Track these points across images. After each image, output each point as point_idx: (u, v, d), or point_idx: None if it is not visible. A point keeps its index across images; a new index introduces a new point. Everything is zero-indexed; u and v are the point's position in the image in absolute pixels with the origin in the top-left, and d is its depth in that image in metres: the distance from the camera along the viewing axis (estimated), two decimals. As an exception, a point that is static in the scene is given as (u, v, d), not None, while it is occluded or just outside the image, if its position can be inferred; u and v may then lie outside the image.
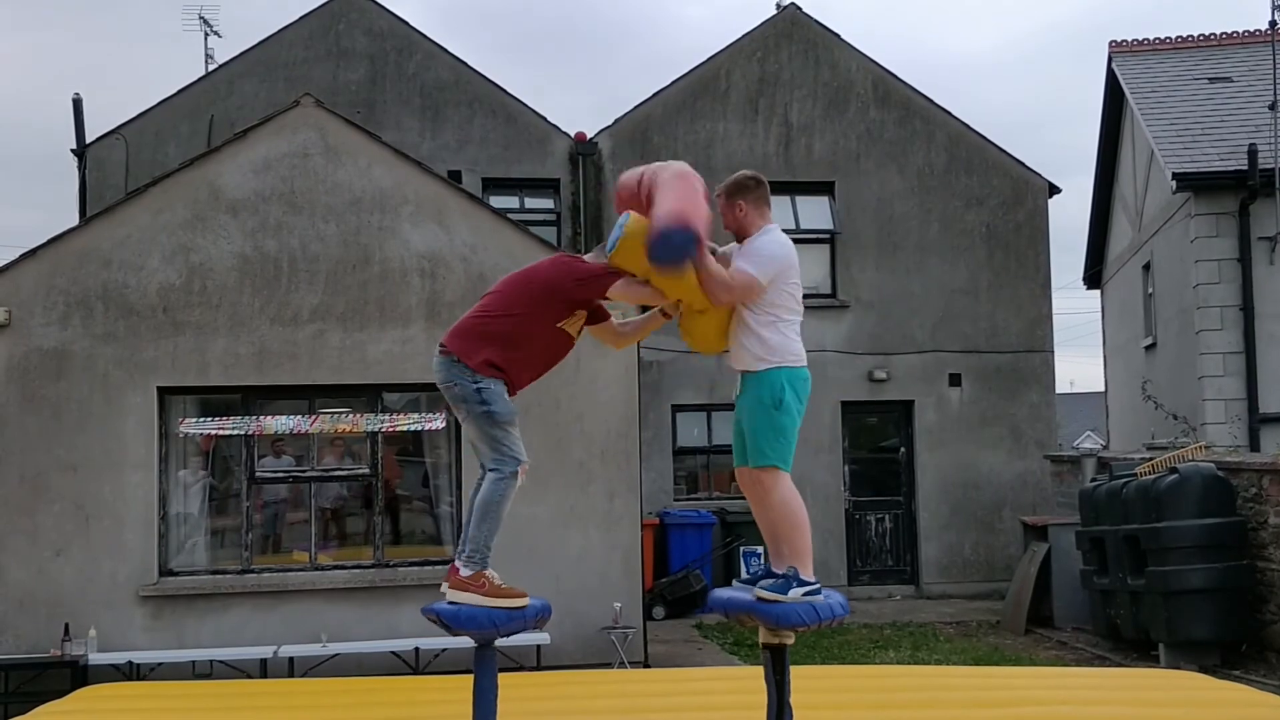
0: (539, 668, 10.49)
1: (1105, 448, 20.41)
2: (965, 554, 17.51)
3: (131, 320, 10.88)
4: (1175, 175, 16.04)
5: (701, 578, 15.69)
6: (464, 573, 5.55)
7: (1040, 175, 18.41)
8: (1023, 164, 18.41)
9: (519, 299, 5.69)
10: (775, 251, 5.42)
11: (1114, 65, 19.72)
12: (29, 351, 10.72)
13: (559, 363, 5.82)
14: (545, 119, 17.96)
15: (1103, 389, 23.97)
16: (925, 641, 13.16)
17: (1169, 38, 20.08)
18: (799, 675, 5.76)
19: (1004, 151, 18.39)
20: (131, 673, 10.26)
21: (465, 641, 5.83)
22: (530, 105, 18.02)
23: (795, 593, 5.19)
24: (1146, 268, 19.16)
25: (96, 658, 10.22)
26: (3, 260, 11.19)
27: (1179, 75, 19.01)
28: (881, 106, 18.20)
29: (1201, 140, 16.83)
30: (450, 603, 5.56)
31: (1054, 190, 18.47)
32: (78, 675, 10.02)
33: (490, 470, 5.59)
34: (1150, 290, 19.11)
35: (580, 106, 78.38)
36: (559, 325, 5.63)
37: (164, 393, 10.95)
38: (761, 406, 5.35)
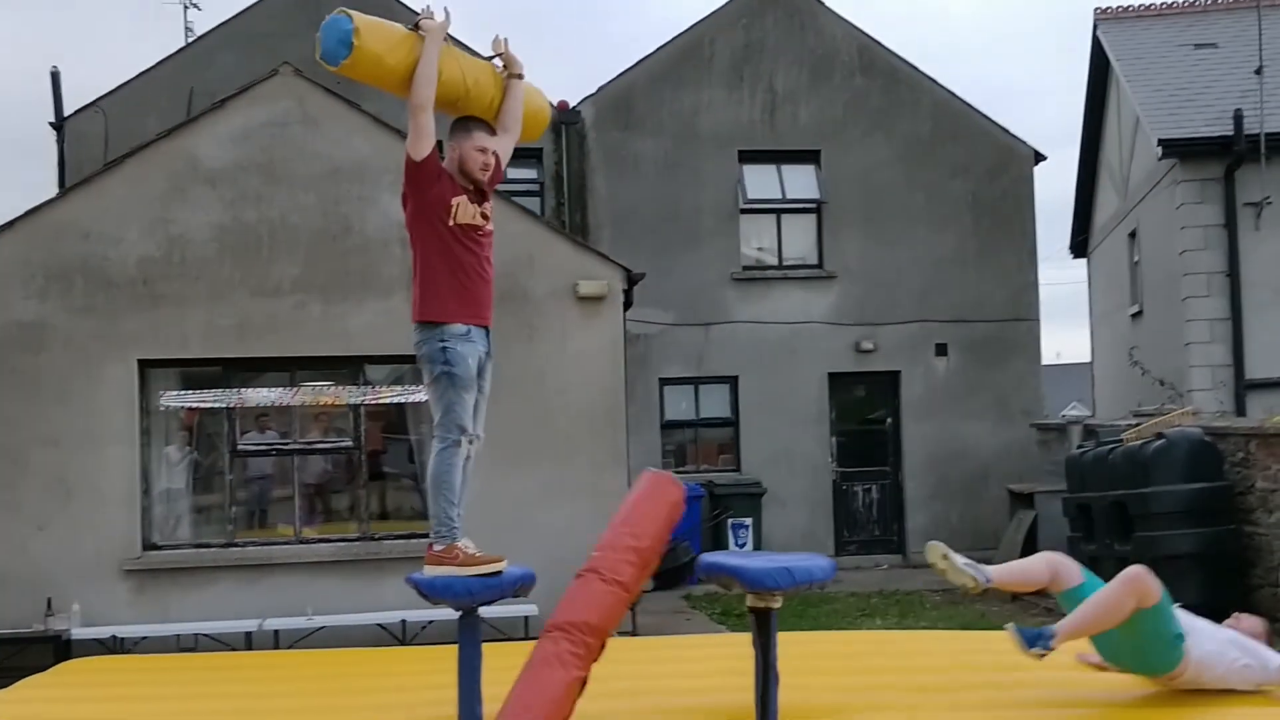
0: (527, 639, 10.45)
1: (1092, 417, 20.43)
2: (952, 523, 17.49)
3: (110, 293, 10.77)
4: (1161, 141, 15.97)
5: (690, 549, 15.61)
6: (436, 549, 5.51)
7: (1025, 143, 18.36)
8: (1008, 132, 18.35)
9: (412, 234, 5.56)
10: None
11: (1099, 32, 19.62)
12: (7, 324, 10.62)
13: (490, 279, 5.58)
14: (527, 88, 17.77)
15: (1088, 359, 23.98)
16: (912, 609, 13.16)
17: (1154, 4, 19.98)
18: (785, 642, 5.73)
19: (989, 119, 18.32)
20: (115, 647, 10.22)
21: (452, 613, 5.79)
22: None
23: (1034, 649, 5.45)
24: (1132, 235, 19.12)
25: (80, 632, 10.17)
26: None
27: (1164, 42, 18.91)
28: (866, 74, 18.11)
29: (1187, 106, 16.75)
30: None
31: (1039, 158, 18.42)
32: (60, 650, 9.96)
33: (435, 439, 5.50)
34: (1136, 258, 19.08)
35: (560, 77, 77.81)
36: (450, 225, 5.42)
37: (144, 365, 10.85)
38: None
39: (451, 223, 5.42)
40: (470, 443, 5.53)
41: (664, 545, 5.43)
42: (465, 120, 5.63)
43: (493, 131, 5.60)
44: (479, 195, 5.61)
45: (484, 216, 5.57)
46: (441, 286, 5.44)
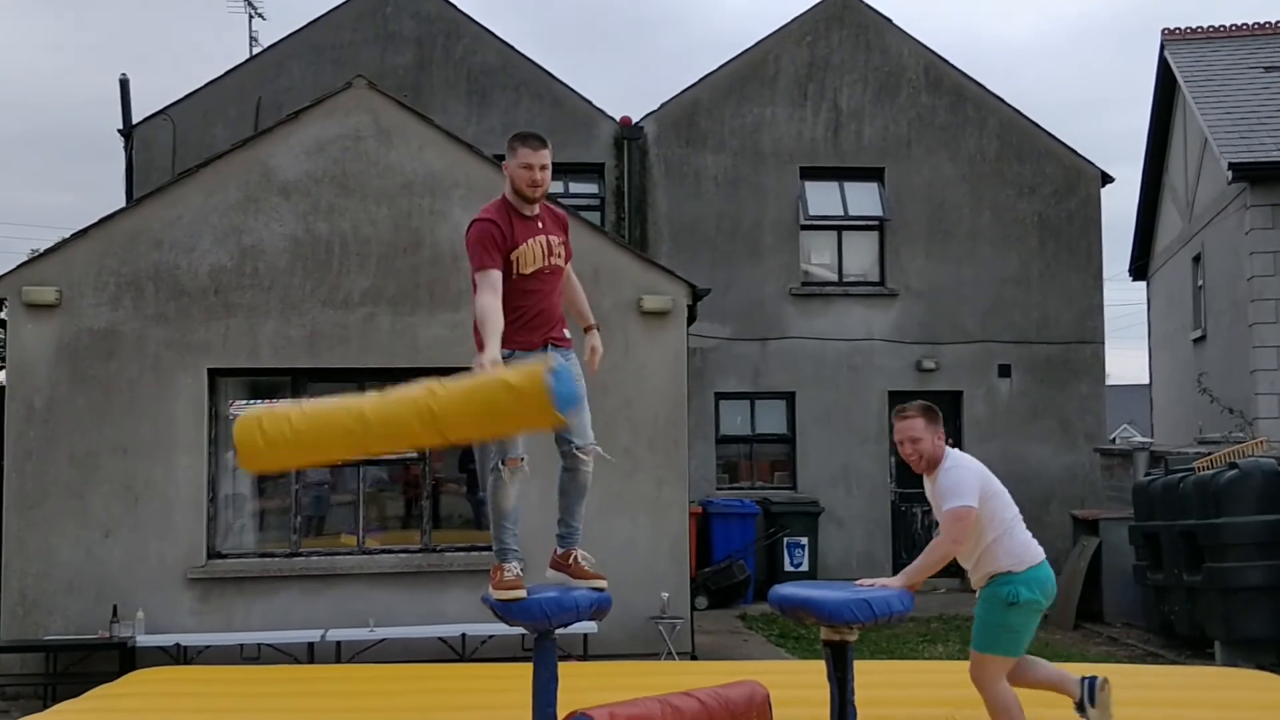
0: (585, 657, 10.41)
1: (1151, 441, 20.13)
2: (1011, 547, 17.28)
3: (182, 301, 10.83)
4: (1231, 165, 15.75)
5: (745, 568, 15.55)
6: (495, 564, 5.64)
7: (1093, 164, 18.14)
8: (1075, 152, 18.14)
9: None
10: (968, 478, 5.69)
11: (1166, 53, 19.39)
12: (79, 332, 10.69)
13: (555, 304, 5.72)
14: (591, 103, 17.83)
15: (1139, 382, 23.69)
16: (974, 635, 12.97)
17: (1223, 26, 19.74)
18: (855, 671, 5.69)
19: (1056, 139, 18.13)
20: (179, 655, 10.24)
21: (508, 628, 5.84)
22: (575, 89, 17.89)
23: None
24: (1197, 259, 18.86)
25: (144, 640, 10.20)
26: (47, 240, 11.09)
27: (1234, 64, 18.66)
28: (933, 92, 17.97)
29: (1258, 130, 16.51)
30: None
31: (1107, 179, 18.20)
32: (125, 657, 10.02)
33: None
34: (1200, 282, 18.81)
35: (619, 91, 78.17)
36: (514, 276, 5.52)
37: (214, 374, 10.90)
38: (996, 601, 5.69)
39: (515, 274, 5.49)
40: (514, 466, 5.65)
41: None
42: (511, 140, 5.66)
43: (539, 145, 5.57)
44: (554, 224, 5.65)
45: (548, 248, 5.58)
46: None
